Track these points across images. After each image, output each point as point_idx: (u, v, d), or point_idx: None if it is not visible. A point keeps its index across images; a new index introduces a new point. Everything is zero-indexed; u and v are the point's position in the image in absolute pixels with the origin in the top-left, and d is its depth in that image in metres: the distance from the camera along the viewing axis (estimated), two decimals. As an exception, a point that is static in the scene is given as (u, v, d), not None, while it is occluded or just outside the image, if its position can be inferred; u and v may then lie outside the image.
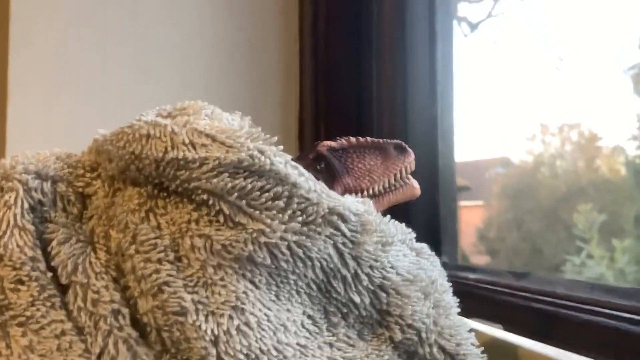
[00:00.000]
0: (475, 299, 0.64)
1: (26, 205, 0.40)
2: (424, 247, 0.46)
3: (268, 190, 0.39)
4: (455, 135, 0.86)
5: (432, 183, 0.83)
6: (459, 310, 0.45)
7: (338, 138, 0.49)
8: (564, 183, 1.81)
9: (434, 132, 0.84)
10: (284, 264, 0.39)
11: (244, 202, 0.39)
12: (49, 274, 0.39)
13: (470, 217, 1.89)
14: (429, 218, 0.81)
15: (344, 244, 0.41)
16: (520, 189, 1.90)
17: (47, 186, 0.42)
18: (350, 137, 0.48)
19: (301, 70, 0.99)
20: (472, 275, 0.70)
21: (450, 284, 0.46)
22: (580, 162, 1.84)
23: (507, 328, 0.57)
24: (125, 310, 0.38)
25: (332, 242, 0.40)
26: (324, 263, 0.40)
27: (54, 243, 0.40)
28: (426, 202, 0.81)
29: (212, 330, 0.37)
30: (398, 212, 0.46)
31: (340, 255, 0.41)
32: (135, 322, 0.38)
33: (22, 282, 0.38)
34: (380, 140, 0.48)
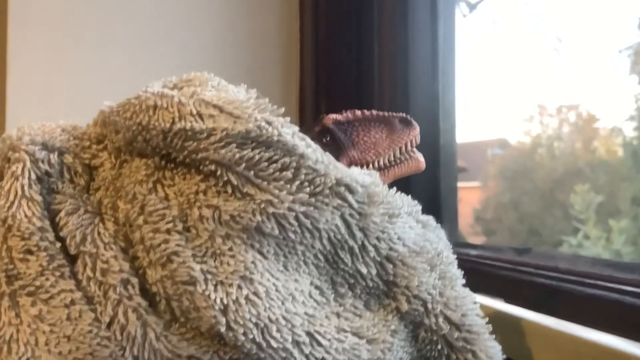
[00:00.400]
0: (476, 275, 0.64)
1: (33, 176, 0.40)
2: (430, 219, 0.46)
3: (276, 161, 0.39)
4: (457, 113, 0.86)
5: (433, 161, 0.83)
6: (464, 282, 0.45)
7: (344, 111, 0.48)
8: (562, 164, 1.82)
9: (436, 110, 0.84)
10: (291, 235, 0.39)
11: (251, 172, 0.39)
12: (58, 244, 0.39)
13: (468, 198, 1.89)
14: (430, 196, 0.81)
15: (351, 215, 0.41)
16: (517, 170, 1.91)
17: (53, 157, 0.42)
18: (356, 110, 0.48)
19: (302, 48, 0.98)
20: (473, 252, 0.70)
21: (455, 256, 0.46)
22: (577, 144, 1.84)
23: (509, 302, 0.57)
24: (135, 280, 0.38)
25: (339, 213, 0.40)
26: (332, 234, 0.41)
27: (62, 214, 0.40)
28: (427, 181, 0.81)
29: (222, 300, 0.37)
30: (398, 189, 0.46)
31: (348, 226, 0.41)
32: (145, 292, 0.38)
33: (30, 252, 0.38)
34: (386, 114, 0.48)
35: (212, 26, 0.99)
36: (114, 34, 0.95)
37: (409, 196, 0.45)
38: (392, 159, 0.49)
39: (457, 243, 0.79)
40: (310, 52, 0.95)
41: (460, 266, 0.46)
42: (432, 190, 0.81)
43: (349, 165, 0.47)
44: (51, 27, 0.93)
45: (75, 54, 0.94)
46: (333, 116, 0.48)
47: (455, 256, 0.46)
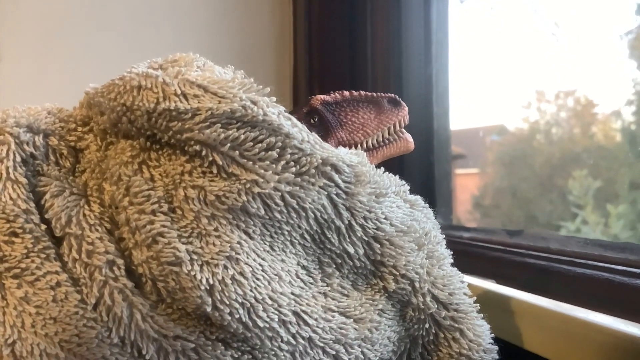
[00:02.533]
0: (469, 257, 0.64)
1: (18, 159, 0.40)
2: (418, 199, 0.46)
3: (261, 141, 0.39)
4: (451, 97, 0.86)
5: (427, 145, 0.83)
6: (452, 261, 0.45)
7: (331, 92, 0.48)
8: (560, 150, 1.81)
9: (429, 95, 0.84)
10: (277, 215, 0.39)
11: (237, 152, 0.39)
12: (43, 227, 0.39)
13: (466, 185, 1.89)
14: (424, 180, 0.81)
15: (337, 194, 0.41)
16: (515, 156, 1.90)
17: (39, 140, 0.41)
18: (344, 91, 0.48)
19: (295, 31, 0.98)
20: (465, 234, 0.70)
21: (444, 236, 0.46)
22: (576, 129, 1.83)
23: (501, 283, 0.57)
24: (120, 261, 0.38)
25: (325, 193, 0.40)
26: (318, 214, 0.40)
27: (47, 196, 0.39)
28: (421, 164, 0.81)
29: (207, 280, 0.37)
30: (392, 173, 0.46)
31: (334, 206, 0.41)
32: (131, 273, 0.38)
33: (16, 235, 0.38)
34: (374, 94, 0.48)
35: (204, 11, 0.99)
36: (105, 19, 0.95)
37: (397, 176, 0.45)
38: (380, 139, 0.48)
39: (451, 226, 0.79)
40: (304, 37, 0.94)
41: (453, 248, 0.46)
42: (426, 175, 0.81)
43: (337, 146, 0.47)
44: (42, 12, 0.93)
45: (67, 39, 0.94)
46: (321, 97, 0.48)
47: (448, 238, 0.46)
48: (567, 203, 1.67)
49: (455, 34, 0.96)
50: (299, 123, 0.41)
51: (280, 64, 0.99)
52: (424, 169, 0.81)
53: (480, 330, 0.44)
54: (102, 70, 0.91)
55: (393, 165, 0.49)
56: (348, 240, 0.41)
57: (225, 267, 0.38)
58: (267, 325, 0.38)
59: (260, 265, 0.39)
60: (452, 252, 0.46)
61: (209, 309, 0.37)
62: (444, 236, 0.46)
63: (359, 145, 0.48)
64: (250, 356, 0.38)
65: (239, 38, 0.98)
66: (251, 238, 0.39)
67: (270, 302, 0.38)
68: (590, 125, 1.80)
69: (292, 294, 0.39)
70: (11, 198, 0.39)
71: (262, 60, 0.99)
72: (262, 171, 0.39)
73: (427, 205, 0.46)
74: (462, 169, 1.91)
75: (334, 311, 0.41)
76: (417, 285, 0.42)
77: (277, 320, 0.38)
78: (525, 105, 1.89)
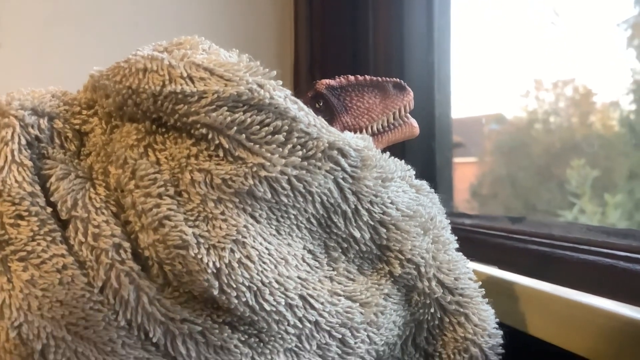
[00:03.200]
0: (471, 243, 0.64)
1: (23, 141, 0.40)
2: (424, 184, 0.46)
3: (267, 124, 0.39)
4: (452, 84, 0.85)
5: (428, 132, 0.83)
6: (457, 246, 0.45)
7: (336, 76, 0.48)
8: (558, 139, 1.81)
9: (431, 82, 0.84)
10: (284, 199, 0.39)
11: (243, 136, 0.38)
12: (49, 209, 0.38)
13: (464, 174, 1.89)
14: (425, 166, 0.81)
15: (344, 179, 0.41)
16: (514, 145, 1.90)
17: (43, 122, 0.41)
18: (349, 76, 0.48)
19: (296, 19, 0.97)
20: (468, 221, 0.70)
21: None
22: (574, 118, 1.83)
23: (503, 269, 0.57)
24: (127, 244, 0.38)
25: (332, 177, 0.40)
26: (324, 198, 0.40)
27: (53, 179, 0.39)
28: (423, 151, 0.81)
29: (214, 263, 0.37)
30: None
31: (341, 190, 0.41)
32: (137, 257, 0.38)
33: (21, 217, 0.38)
34: (379, 79, 0.48)
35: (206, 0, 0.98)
36: (106, 4, 0.94)
37: (402, 161, 0.45)
38: (385, 124, 0.48)
39: (452, 213, 0.79)
40: (305, 24, 0.94)
41: (455, 235, 0.46)
42: (427, 161, 0.81)
43: (343, 130, 0.47)
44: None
45: (69, 23, 0.93)
46: (326, 81, 0.48)
47: (450, 224, 0.46)
48: (565, 192, 1.67)
49: (454, 23, 0.96)
50: (305, 107, 0.41)
51: (281, 51, 0.99)
52: (426, 156, 0.81)
53: (485, 315, 0.44)
54: (103, 56, 0.91)
55: (395, 151, 0.49)
56: (354, 224, 0.41)
57: (232, 250, 0.37)
58: (274, 309, 0.38)
59: (267, 249, 0.39)
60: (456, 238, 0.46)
61: (215, 292, 0.37)
62: (449, 221, 0.46)
63: (364, 130, 0.48)
64: (257, 339, 0.39)
65: (240, 25, 0.98)
66: (257, 222, 0.39)
67: (276, 285, 0.38)
68: (588, 114, 1.80)
69: (299, 277, 0.39)
70: (16, 181, 0.38)
71: (264, 48, 0.99)
72: (269, 155, 0.38)
73: (432, 190, 0.46)
74: (461, 158, 1.91)
75: (340, 295, 0.41)
76: (422, 269, 0.43)
77: (283, 303, 0.38)
78: (524, 94, 1.89)
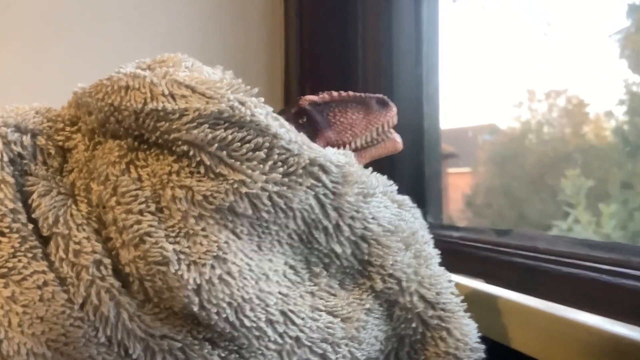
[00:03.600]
0: (458, 256, 0.65)
1: (6, 158, 0.40)
2: (406, 199, 0.46)
3: (249, 141, 0.39)
4: (441, 97, 0.86)
5: (417, 145, 0.83)
6: (439, 261, 0.45)
7: (320, 92, 0.48)
8: (551, 149, 1.82)
9: (419, 94, 0.84)
10: (265, 215, 0.39)
11: (224, 153, 0.39)
12: (30, 226, 0.39)
13: (458, 184, 1.90)
14: (414, 179, 0.82)
15: (325, 194, 0.41)
16: (507, 155, 1.91)
17: (26, 139, 0.41)
18: (333, 92, 0.48)
19: (286, 31, 0.98)
20: (455, 234, 0.71)
21: (432, 236, 0.46)
22: (567, 129, 1.84)
23: (489, 282, 0.58)
24: (107, 261, 0.38)
25: (313, 193, 0.40)
26: (306, 214, 0.41)
27: (35, 195, 0.40)
28: (411, 164, 0.81)
29: (195, 280, 0.37)
30: (383, 172, 0.46)
31: (322, 206, 0.41)
32: (118, 273, 0.38)
33: (3, 234, 0.38)
34: (362, 95, 0.48)
35: (196, 12, 0.99)
36: (98, 17, 0.94)
37: (385, 176, 0.46)
38: (369, 139, 0.49)
39: (441, 225, 0.79)
40: (295, 37, 0.94)
41: (442, 248, 0.46)
42: (416, 174, 0.81)
43: (326, 146, 0.47)
44: (34, 9, 0.93)
45: (58, 39, 0.93)
46: (309, 97, 0.48)
47: (438, 237, 0.46)
48: (559, 202, 1.68)
49: (448, 33, 0.96)
50: (286, 123, 0.41)
51: (271, 63, 0.99)
52: (415, 169, 0.81)
53: (467, 330, 0.44)
54: (94, 68, 0.91)
55: (384, 164, 0.49)
56: (335, 240, 0.42)
57: (213, 266, 0.38)
58: (255, 325, 0.38)
59: (248, 264, 0.39)
60: (441, 252, 0.46)
61: (196, 309, 0.37)
62: (431, 236, 0.46)
63: (348, 146, 0.48)
64: (238, 355, 0.39)
65: (231, 37, 0.98)
66: (239, 238, 0.39)
67: (257, 301, 0.38)
68: (581, 124, 1.81)
69: (280, 293, 0.40)
70: (-2, 198, 0.39)
71: (254, 60, 0.99)
72: (250, 171, 0.39)
73: (414, 205, 0.46)
74: (455, 168, 1.91)
75: (321, 310, 0.41)
76: (404, 284, 0.43)
77: (264, 319, 0.38)
78: (517, 104, 1.90)
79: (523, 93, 1.85)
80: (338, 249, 0.42)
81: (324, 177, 0.41)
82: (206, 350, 0.38)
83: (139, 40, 0.95)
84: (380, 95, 0.49)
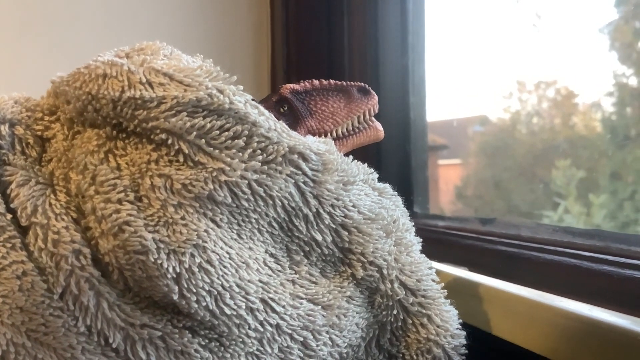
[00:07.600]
0: (443, 245, 0.65)
1: (-17, 148, 0.40)
2: (387, 187, 0.46)
3: (227, 129, 0.39)
4: (427, 87, 0.86)
5: (404, 135, 0.83)
6: (420, 248, 0.45)
7: (301, 81, 0.48)
8: (541, 140, 1.83)
9: (406, 84, 0.84)
10: (244, 203, 0.39)
11: (203, 141, 0.39)
12: (9, 216, 0.39)
13: (449, 176, 1.90)
14: (400, 169, 0.82)
15: (305, 182, 0.41)
16: (497, 146, 1.91)
17: (4, 129, 0.41)
18: (314, 80, 0.48)
19: (272, 22, 0.98)
20: (441, 223, 0.71)
21: (413, 224, 0.46)
22: (556, 119, 1.84)
23: (473, 270, 0.58)
24: (87, 250, 0.38)
25: (293, 180, 0.40)
26: (286, 202, 0.41)
27: (13, 185, 0.39)
28: (398, 154, 0.82)
29: (174, 268, 0.37)
30: (369, 163, 0.46)
31: (302, 194, 0.41)
32: (97, 262, 0.38)
33: (-19, 224, 0.38)
34: (344, 83, 0.48)
35: (182, 1, 0.98)
36: (79, 7, 0.94)
37: (366, 164, 0.46)
38: (350, 128, 0.49)
39: (427, 215, 0.79)
40: (281, 27, 0.94)
41: (428, 237, 0.46)
42: (403, 164, 0.82)
43: (307, 134, 0.47)
44: (16, 1, 0.92)
45: (38, 28, 0.93)
46: (290, 86, 0.48)
47: (424, 227, 0.46)
48: (550, 193, 1.68)
49: (437, 24, 0.96)
50: (265, 111, 0.41)
51: (257, 54, 0.99)
52: (401, 159, 0.81)
53: (448, 316, 0.44)
54: (75, 57, 0.91)
55: (370, 155, 0.50)
56: (316, 228, 0.42)
57: (192, 255, 0.38)
58: (235, 313, 0.38)
59: (228, 253, 0.39)
60: (427, 241, 0.46)
61: (175, 297, 0.37)
62: (413, 224, 0.46)
63: (329, 134, 0.48)
64: (218, 343, 0.39)
65: (217, 28, 0.98)
66: (218, 226, 0.39)
67: (237, 289, 0.38)
68: (570, 115, 1.82)
69: (260, 281, 0.40)
70: (-24, 188, 0.38)
71: (240, 51, 0.99)
72: (229, 159, 0.39)
73: (395, 193, 0.46)
74: (445, 160, 1.91)
75: (302, 298, 0.41)
76: (385, 272, 0.43)
77: (244, 307, 0.38)
78: (507, 95, 1.90)
79: (513, 84, 1.85)
80: (318, 237, 0.42)
81: (303, 165, 0.41)
82: (186, 339, 0.38)
83: (122, 29, 0.95)
84: (361, 84, 0.49)
